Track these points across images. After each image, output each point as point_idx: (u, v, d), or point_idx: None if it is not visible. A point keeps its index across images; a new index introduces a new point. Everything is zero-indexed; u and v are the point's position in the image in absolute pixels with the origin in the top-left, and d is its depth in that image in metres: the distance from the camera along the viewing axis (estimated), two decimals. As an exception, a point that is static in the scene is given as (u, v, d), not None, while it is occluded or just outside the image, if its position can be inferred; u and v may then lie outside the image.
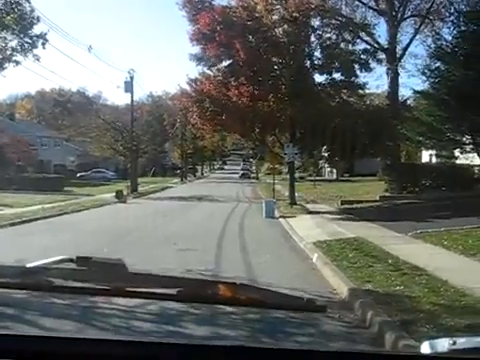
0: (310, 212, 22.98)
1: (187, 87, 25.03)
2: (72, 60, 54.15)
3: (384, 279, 8.24)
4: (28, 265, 1.57)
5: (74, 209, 25.00)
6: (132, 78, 40.28)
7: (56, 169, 58.43)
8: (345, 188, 40.26)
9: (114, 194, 33.55)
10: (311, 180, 57.60)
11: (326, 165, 76.73)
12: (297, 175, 62.12)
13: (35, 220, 19.55)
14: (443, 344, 1.39)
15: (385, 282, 8.05)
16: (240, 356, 1.36)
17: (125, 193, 37.51)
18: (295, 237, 15.20)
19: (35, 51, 16.14)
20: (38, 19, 15.90)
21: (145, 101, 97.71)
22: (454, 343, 1.38)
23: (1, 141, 47.06)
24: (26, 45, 15.88)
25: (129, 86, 40.29)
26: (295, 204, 25.74)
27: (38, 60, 16.57)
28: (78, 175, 63.57)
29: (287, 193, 34.27)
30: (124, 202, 31.69)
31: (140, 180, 61.68)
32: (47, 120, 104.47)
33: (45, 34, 15.99)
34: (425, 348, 1.41)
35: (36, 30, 16.52)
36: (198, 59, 24.32)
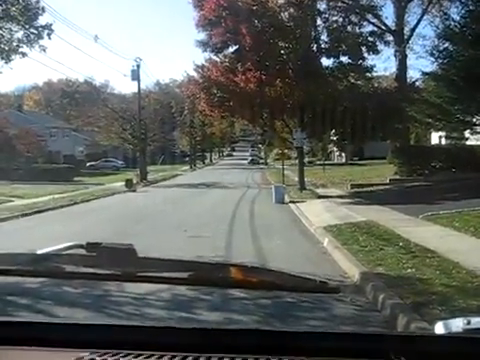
0: (320, 196, 22.95)
1: (194, 74, 25.02)
2: (78, 50, 54.15)
3: (395, 262, 8.21)
4: (38, 252, 1.58)
5: (84, 199, 25.11)
6: (139, 66, 40.29)
7: (65, 159, 58.56)
8: (355, 172, 40.18)
9: (124, 183, 33.70)
10: (320, 164, 57.55)
11: (335, 149, 76.67)
12: (306, 160, 61.86)
13: (46, 210, 19.65)
14: (457, 324, 1.39)
15: (396, 265, 8.02)
16: (254, 339, 1.39)
17: (135, 182, 37.65)
18: (305, 222, 15.19)
19: (41, 42, 16.15)
20: (43, 10, 15.89)
21: (152, 89, 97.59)
22: (469, 323, 1.37)
23: (10, 132, 47.28)
24: (32, 36, 15.86)
25: (136, 74, 40.26)
26: (305, 189, 25.72)
27: (44, 51, 16.56)
28: (88, 165, 63.71)
29: (297, 178, 34.27)
30: (134, 191, 31.83)
31: (149, 168, 61.76)
32: (55, 111, 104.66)
33: (51, 25, 15.98)
34: (439, 328, 1.41)
35: (41, 21, 16.59)
36: (204, 45, 24.18)
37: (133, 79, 40.27)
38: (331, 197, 22.65)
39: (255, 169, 64.25)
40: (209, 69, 24.01)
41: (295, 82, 23.16)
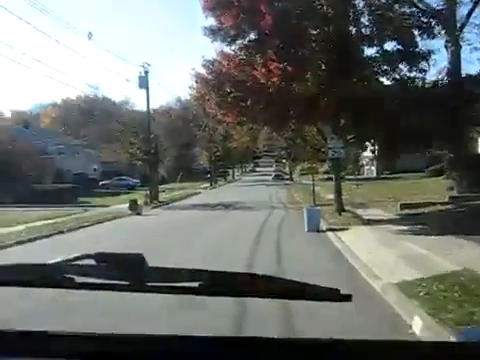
0: (366, 222, 17.84)
1: (203, 71, 20.10)
2: (99, 65, 50.42)
3: None
4: (48, 263, 1.60)
5: (73, 226, 20.60)
6: (147, 72, 35.76)
7: (76, 178, 54.70)
8: (395, 188, 35.03)
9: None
10: (352, 179, 52.89)
11: (364, 162, 72.16)
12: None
13: (6, 247, 14.93)
14: (477, 331, 1.49)
15: None
16: (264, 347, 1.40)
17: (144, 203, 33.14)
18: (358, 267, 10.11)
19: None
20: None
21: (173, 106, 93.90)
22: None
23: (11, 151, 43.16)
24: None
25: (144, 82, 35.73)
26: (343, 211, 20.61)
27: None
28: (100, 184, 60.05)
29: (329, 196, 29.48)
30: (139, 214, 27.20)
31: (165, 187, 58.10)
32: (72, 128, 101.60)
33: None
34: (461, 336, 1.46)
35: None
36: (214, 33, 19.27)
37: (141, 87, 35.72)
38: (380, 222, 17.55)
39: (280, 185, 59.22)
40: (220, 62, 19.12)
41: (329, 76, 18.21)
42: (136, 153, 37.53)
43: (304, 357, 1.34)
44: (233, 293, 1.70)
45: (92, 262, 1.52)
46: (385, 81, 19.43)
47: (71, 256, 1.60)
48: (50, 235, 17.99)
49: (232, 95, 18.10)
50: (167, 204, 35.95)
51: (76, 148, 59.82)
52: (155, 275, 1.51)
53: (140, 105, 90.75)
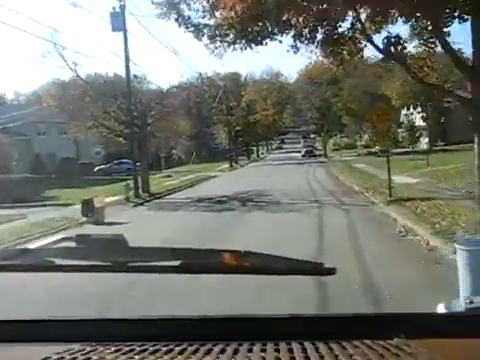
0: None
1: None
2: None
3: None
4: (28, 246, 2.25)
5: None
6: (123, 8, 24.41)
7: (63, 163, 44.66)
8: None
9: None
10: (406, 153, 42.00)
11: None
12: (376, 148, 44.53)
13: None
14: (460, 303, 1.45)
15: None
16: (248, 325, 1.39)
17: (123, 198, 22.48)
18: None
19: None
20: None
21: (194, 82, 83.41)
22: (471, 302, 1.41)
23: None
24: None
25: (119, 21, 24.42)
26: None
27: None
28: (96, 169, 49.89)
29: (395, 179, 18.32)
30: (98, 223, 16.24)
31: (176, 170, 48.68)
32: (76, 107, 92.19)
33: None
34: (441, 308, 1.50)
35: None
36: None
37: (115, 29, 24.43)
38: None
39: (314, 163, 47.91)
40: None
41: None
42: (114, 126, 26.46)
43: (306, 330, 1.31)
44: (216, 270, 1.66)
45: (72, 244, 1.51)
46: None
47: (51, 239, 2.04)
48: None
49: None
50: (161, 197, 25.09)
51: (62, 127, 48.90)
52: (136, 255, 1.50)
53: (155, 80, 79.00)
